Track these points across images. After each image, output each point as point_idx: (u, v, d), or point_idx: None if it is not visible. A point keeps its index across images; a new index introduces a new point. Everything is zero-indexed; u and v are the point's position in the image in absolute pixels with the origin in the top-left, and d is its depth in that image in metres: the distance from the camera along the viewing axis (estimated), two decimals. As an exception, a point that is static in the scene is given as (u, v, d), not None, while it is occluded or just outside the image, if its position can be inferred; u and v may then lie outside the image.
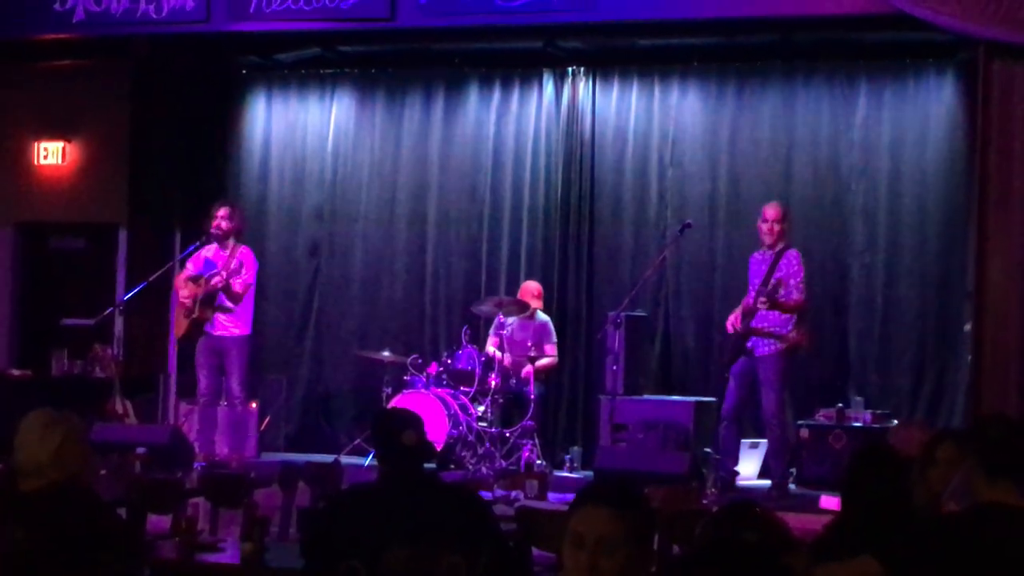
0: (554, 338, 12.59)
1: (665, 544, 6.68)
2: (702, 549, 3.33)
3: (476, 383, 12.02)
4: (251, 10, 11.78)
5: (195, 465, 10.90)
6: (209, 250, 12.14)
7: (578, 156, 13.16)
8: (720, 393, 11.31)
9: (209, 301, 11.98)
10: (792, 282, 10.87)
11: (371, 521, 5.45)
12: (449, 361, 12.18)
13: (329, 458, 11.68)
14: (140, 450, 10.12)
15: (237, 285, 11.89)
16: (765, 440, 11.50)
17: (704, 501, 9.55)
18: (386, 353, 12.44)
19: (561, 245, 13.20)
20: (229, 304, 11.99)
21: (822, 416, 11.49)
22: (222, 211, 12.11)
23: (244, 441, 12.17)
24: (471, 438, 11.80)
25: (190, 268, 12.19)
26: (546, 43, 12.63)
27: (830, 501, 9.40)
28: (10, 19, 12.34)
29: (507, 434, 11.88)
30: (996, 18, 10.10)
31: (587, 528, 3.53)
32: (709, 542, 3.60)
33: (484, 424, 11.89)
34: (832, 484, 9.79)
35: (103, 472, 9.43)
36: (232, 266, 11.98)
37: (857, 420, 11.37)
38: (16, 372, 13.15)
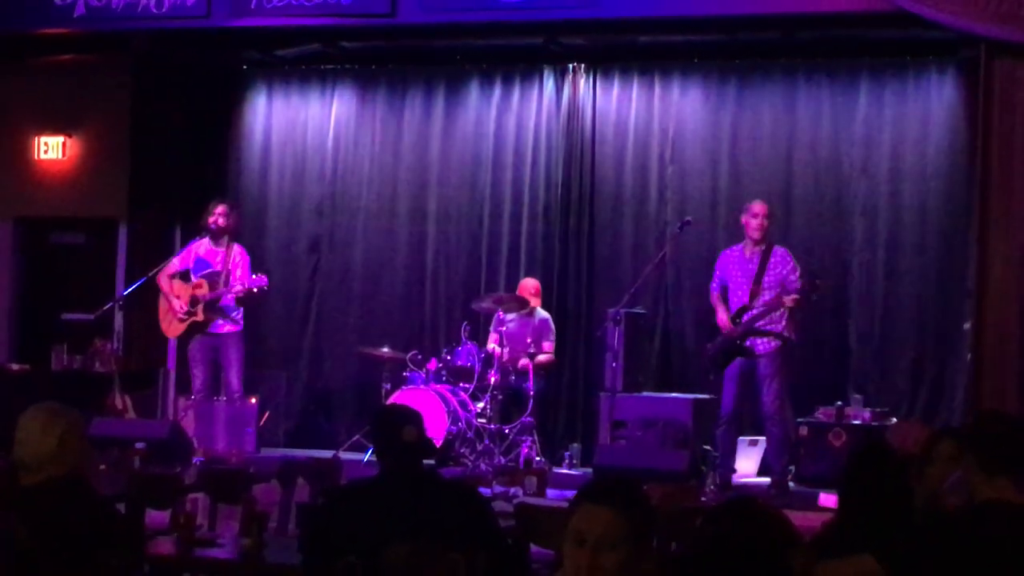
0: (553, 336, 12.58)
1: (664, 542, 6.68)
2: (701, 545, 3.33)
3: (475, 379, 12.03)
4: (252, 6, 11.79)
5: (194, 460, 10.90)
6: (200, 247, 12.13)
7: (578, 153, 13.17)
8: (718, 392, 11.32)
9: (213, 304, 11.98)
10: (790, 280, 10.92)
11: (370, 517, 5.46)
12: (448, 357, 12.18)
13: (328, 454, 11.70)
14: (139, 445, 10.11)
15: (241, 289, 11.91)
16: (764, 438, 11.51)
17: (703, 499, 9.55)
18: (386, 349, 12.44)
19: (561, 242, 13.20)
20: (232, 312, 12.01)
21: (821, 414, 11.49)
22: (220, 208, 12.10)
23: (243, 436, 12.18)
24: (470, 434, 11.81)
25: (176, 264, 12.18)
26: (547, 40, 12.62)
27: (829, 499, 9.39)
28: (11, 14, 12.35)
29: (506, 431, 11.88)
30: (997, 16, 10.11)
31: (588, 526, 3.53)
32: (709, 538, 3.60)
33: (483, 420, 11.89)
34: (831, 482, 9.77)
35: (102, 467, 9.44)
36: (233, 267, 11.99)
37: (856, 418, 11.37)
38: (16, 367, 13.15)
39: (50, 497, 5.08)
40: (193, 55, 13.51)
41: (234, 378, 12.05)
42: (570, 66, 13.23)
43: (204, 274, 12.07)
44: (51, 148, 13.77)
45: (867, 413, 11.39)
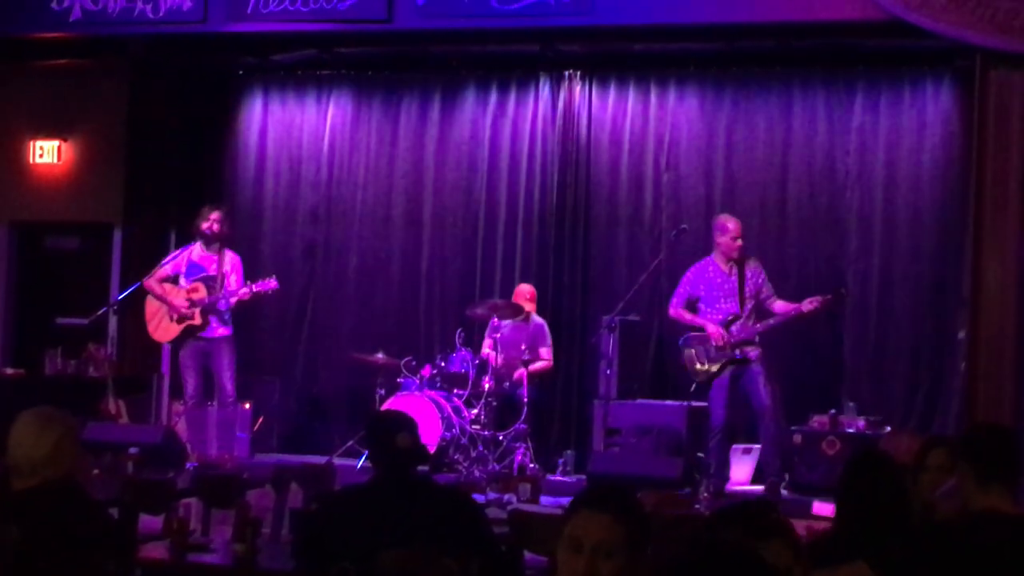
0: (549, 341, 12.59)
1: (657, 549, 6.68)
2: (698, 553, 3.32)
3: (470, 386, 12.02)
4: (248, 11, 11.78)
5: (187, 465, 10.89)
6: (193, 252, 12.14)
7: (574, 160, 13.17)
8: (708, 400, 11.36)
9: (209, 308, 11.99)
10: (764, 290, 11.18)
11: (364, 523, 5.45)
12: (443, 364, 12.17)
13: (322, 460, 11.68)
14: (133, 450, 10.11)
15: (247, 294, 11.94)
16: (757, 446, 11.52)
17: (696, 506, 9.56)
18: (380, 355, 12.43)
19: (556, 249, 13.19)
20: (226, 314, 12.03)
21: (815, 422, 11.49)
22: (216, 215, 12.12)
23: (237, 442, 12.17)
24: (464, 441, 11.79)
25: (167, 268, 12.17)
26: (543, 47, 12.62)
27: (823, 507, 9.40)
28: (7, 17, 12.33)
29: (500, 437, 11.87)
30: (993, 26, 10.12)
31: (585, 533, 3.52)
32: (711, 544, 3.59)
33: (477, 427, 11.89)
34: (825, 490, 9.79)
35: (96, 472, 9.43)
36: (227, 273, 12.01)
37: (850, 426, 11.37)
38: (10, 371, 13.14)
39: (44, 502, 5.07)
40: (189, 60, 13.50)
41: (227, 382, 12.06)
42: (566, 73, 13.23)
43: (200, 278, 12.07)
44: (46, 152, 13.76)
45: (861, 421, 11.39)
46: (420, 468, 6.20)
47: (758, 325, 11.20)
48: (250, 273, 12.28)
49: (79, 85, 13.65)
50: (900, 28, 10.49)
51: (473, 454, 11.77)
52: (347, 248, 13.76)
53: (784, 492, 11.03)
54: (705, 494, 10.39)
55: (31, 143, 13.78)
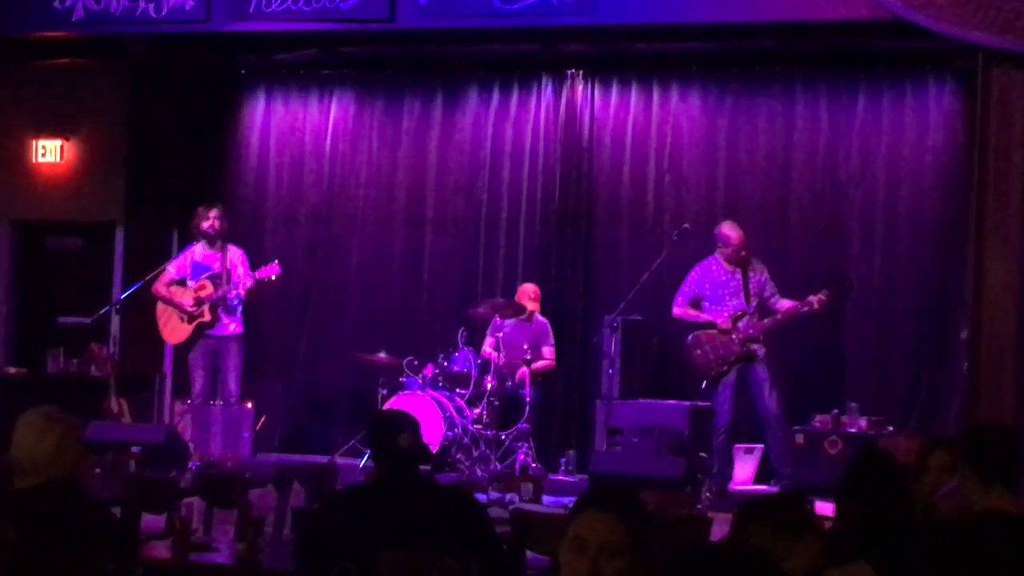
0: (552, 340, 12.60)
1: (659, 549, 6.67)
2: (698, 553, 3.31)
3: (472, 385, 12.03)
4: (251, 10, 11.77)
5: (190, 465, 10.89)
6: (195, 252, 12.15)
7: (576, 159, 13.17)
8: (712, 399, 11.36)
9: (219, 303, 12.00)
10: (767, 289, 11.19)
11: (366, 523, 5.45)
12: (445, 363, 12.18)
13: (324, 459, 11.68)
14: (135, 449, 10.11)
15: (251, 282, 11.96)
16: (760, 446, 11.52)
17: (699, 506, 9.55)
18: (382, 354, 12.43)
19: (558, 248, 13.20)
20: (235, 303, 12.03)
21: (817, 422, 11.49)
22: (214, 212, 12.16)
23: (239, 441, 12.18)
24: (466, 440, 11.80)
25: (172, 272, 12.19)
26: (545, 46, 12.61)
27: (824, 507, 9.39)
28: (9, 17, 12.33)
29: (502, 437, 11.88)
30: (995, 26, 10.11)
31: (590, 533, 3.52)
32: (712, 545, 3.59)
33: (479, 426, 11.89)
34: (827, 490, 9.78)
35: (98, 471, 9.42)
36: (232, 267, 12.01)
37: (852, 426, 11.37)
38: (12, 370, 13.15)
39: (45, 501, 5.07)
40: (191, 60, 13.51)
41: (232, 382, 12.07)
42: (568, 73, 13.24)
43: (207, 276, 12.08)
44: (48, 152, 13.77)
45: (863, 421, 11.39)
46: (422, 468, 6.20)
47: (765, 321, 11.24)
48: (254, 265, 12.28)
49: (81, 84, 13.66)
50: (902, 28, 10.48)
51: (475, 453, 11.78)
52: (349, 247, 13.77)
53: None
54: (707, 494, 10.40)
55: (33, 142, 13.79)
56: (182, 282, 12.16)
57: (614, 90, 13.22)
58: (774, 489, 11.04)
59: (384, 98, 13.78)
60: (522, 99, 13.44)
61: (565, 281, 13.17)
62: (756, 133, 12.79)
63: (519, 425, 11.96)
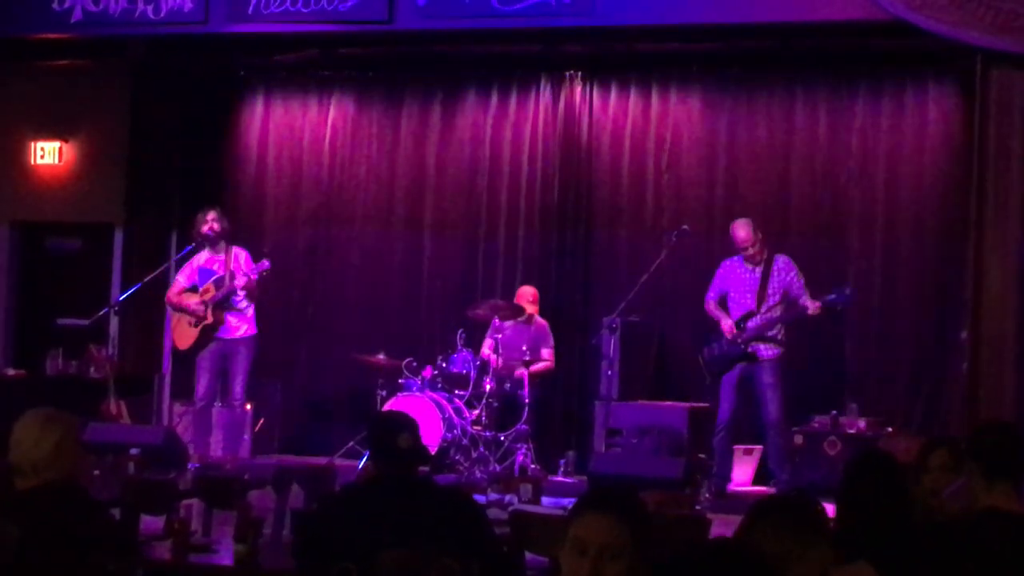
0: (552, 342, 12.60)
1: (658, 550, 6.67)
2: (702, 553, 3.31)
3: (471, 387, 12.02)
4: (249, 12, 11.77)
5: (189, 466, 10.89)
6: (200, 258, 12.12)
7: (575, 160, 13.17)
8: (714, 398, 11.35)
9: (222, 304, 11.97)
10: (795, 287, 11.06)
11: (365, 524, 5.45)
12: (444, 364, 12.17)
13: (324, 460, 11.68)
14: (134, 451, 10.09)
15: (253, 284, 11.94)
16: (759, 447, 11.52)
17: (698, 507, 9.54)
18: (381, 356, 12.43)
19: (557, 250, 13.20)
20: (242, 304, 11.99)
21: (817, 422, 11.50)
22: (212, 214, 12.11)
23: (238, 442, 12.18)
24: (465, 442, 11.79)
25: (183, 281, 12.16)
26: (544, 47, 12.62)
27: (825, 508, 9.38)
28: (8, 18, 12.33)
29: (501, 438, 11.88)
30: (994, 27, 10.11)
31: (590, 535, 3.51)
32: (710, 547, 3.58)
33: (478, 428, 11.89)
34: (826, 490, 9.77)
35: (97, 472, 9.41)
36: (236, 268, 11.99)
37: (852, 427, 11.38)
38: (11, 372, 13.14)
39: (45, 502, 5.07)
40: (190, 61, 13.51)
41: (238, 386, 12.03)
42: (567, 74, 13.24)
43: (212, 280, 12.06)
44: (47, 153, 13.78)
45: (862, 422, 11.40)
46: (421, 469, 6.19)
47: (766, 324, 11.15)
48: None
49: (80, 86, 13.66)
50: (901, 28, 10.49)
51: (474, 455, 11.77)
52: (348, 249, 13.77)
53: (785, 493, 11.04)
54: (706, 495, 10.39)
55: (32, 144, 13.80)
56: (193, 289, 12.12)
57: (613, 91, 13.22)
58: (772, 491, 11.03)
59: (383, 99, 13.78)
60: (521, 100, 13.43)
61: (564, 282, 13.17)
62: (755, 134, 12.79)
63: (518, 426, 11.96)
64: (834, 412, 11.50)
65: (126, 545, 5.56)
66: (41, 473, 5.12)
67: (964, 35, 10.28)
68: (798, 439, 11.39)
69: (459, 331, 12.40)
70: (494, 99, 13.49)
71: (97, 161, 13.70)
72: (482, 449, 11.78)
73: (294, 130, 13.98)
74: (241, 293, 11.98)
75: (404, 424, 5.74)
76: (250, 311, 12.09)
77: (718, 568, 3.20)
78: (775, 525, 3.82)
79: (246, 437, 12.23)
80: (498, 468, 11.58)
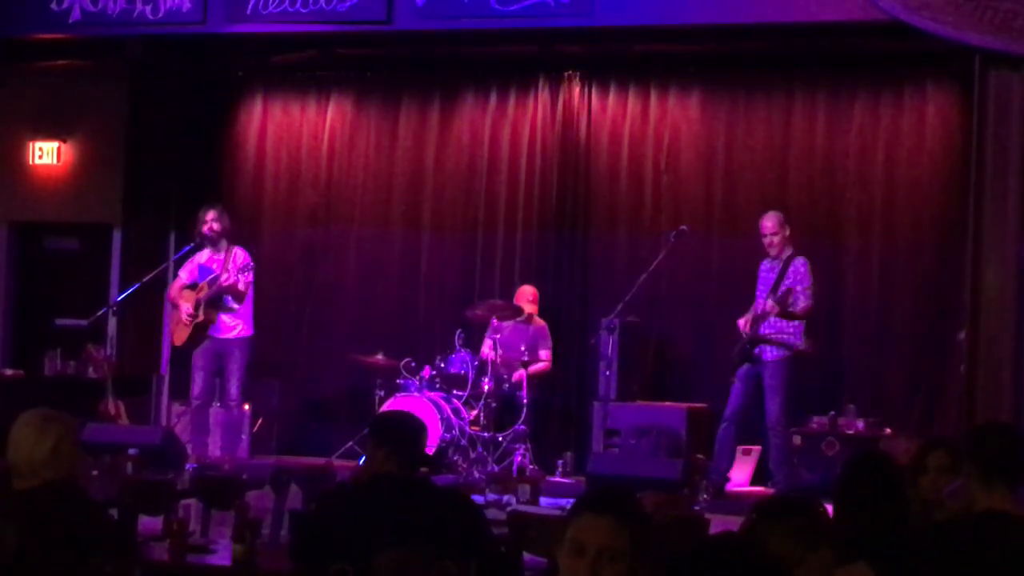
0: (550, 343, 12.60)
1: (656, 550, 6.67)
2: (700, 550, 3.31)
3: (469, 387, 12.03)
4: (248, 12, 11.78)
5: (187, 466, 10.88)
6: (202, 256, 12.12)
7: (573, 161, 13.17)
8: (719, 399, 11.37)
9: (214, 303, 11.97)
10: (799, 288, 11.04)
11: (363, 524, 5.46)
12: (442, 365, 12.17)
13: (322, 461, 11.68)
14: (132, 451, 10.10)
15: (242, 284, 11.92)
16: (758, 447, 11.52)
17: (696, 507, 9.54)
18: (379, 356, 12.43)
19: (556, 250, 13.20)
20: (234, 304, 11.99)
21: (815, 423, 11.51)
22: (211, 214, 12.10)
23: (236, 443, 12.17)
24: (463, 442, 11.80)
25: (184, 278, 12.17)
26: (542, 48, 12.62)
27: (826, 509, 9.39)
28: (6, 18, 12.34)
29: (499, 438, 11.88)
30: (992, 27, 10.12)
31: (589, 537, 3.50)
32: (706, 545, 3.58)
33: (477, 428, 11.89)
34: (824, 491, 9.78)
35: (95, 473, 9.41)
36: (233, 265, 11.99)
37: (850, 428, 11.39)
38: (9, 372, 13.13)
39: (43, 502, 5.07)
40: (188, 61, 13.51)
41: (233, 386, 12.02)
42: (565, 74, 13.24)
43: (208, 279, 12.07)
44: (46, 153, 13.76)
45: (860, 423, 11.41)
46: (420, 469, 6.20)
47: (763, 326, 11.16)
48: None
49: (79, 86, 13.65)
50: (900, 29, 10.49)
51: (472, 455, 11.77)
52: (346, 249, 13.77)
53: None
54: (705, 495, 10.40)
55: (30, 144, 13.78)
56: (193, 286, 12.13)
57: (611, 91, 13.22)
58: (770, 491, 11.04)
59: (381, 99, 13.78)
60: (519, 101, 13.43)
61: (562, 283, 13.17)
62: (753, 135, 12.79)
63: (516, 427, 11.96)
64: (832, 413, 11.51)
65: (124, 545, 5.56)
66: (39, 473, 5.12)
67: (962, 36, 10.29)
68: (796, 440, 11.40)
69: (457, 331, 12.40)
70: (492, 99, 13.49)
71: (95, 161, 13.69)
72: (480, 449, 11.79)
73: (292, 130, 13.98)
74: (225, 287, 11.95)
75: (423, 427, 5.81)
76: (244, 312, 12.08)
77: (727, 564, 3.19)
78: (778, 527, 3.82)
79: (244, 437, 12.22)
80: (496, 468, 11.58)
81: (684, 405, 11.79)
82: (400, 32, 11.74)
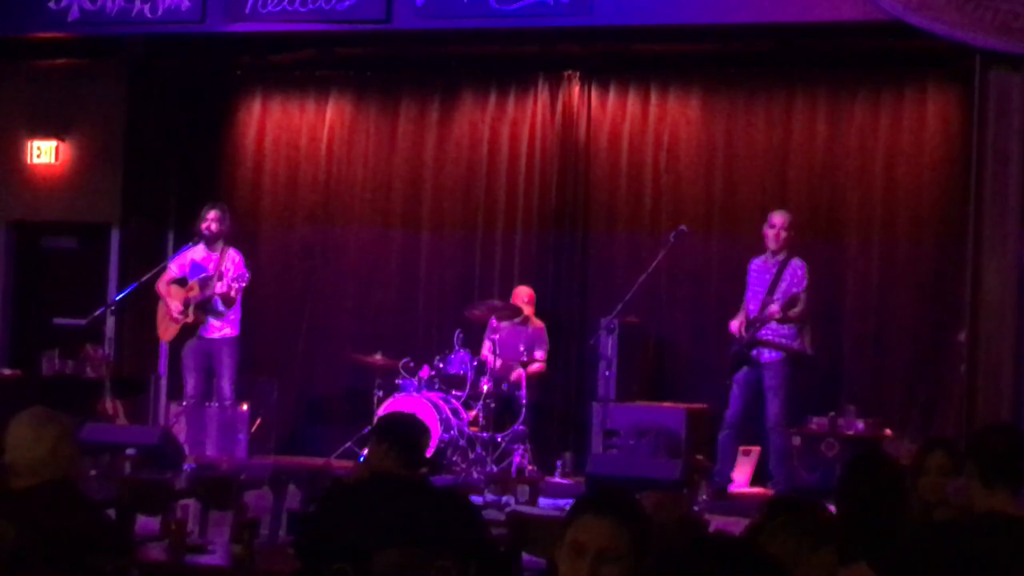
0: (547, 345, 12.59)
1: (655, 550, 6.65)
2: (693, 549, 3.29)
3: (468, 387, 12.02)
4: (247, 11, 11.76)
5: (185, 466, 10.87)
6: (196, 252, 12.13)
7: (573, 161, 13.16)
8: (718, 399, 11.36)
9: (203, 306, 11.97)
10: (796, 290, 11.05)
11: (362, 524, 5.45)
12: (441, 365, 12.16)
13: (320, 461, 11.68)
14: (130, 451, 10.10)
15: (234, 292, 11.91)
16: (757, 448, 11.51)
17: (696, 508, 9.53)
18: (378, 356, 12.42)
19: (555, 250, 13.19)
20: (222, 309, 11.99)
21: (814, 424, 11.49)
22: (212, 213, 12.10)
23: (234, 443, 12.16)
24: (462, 442, 11.79)
25: (174, 271, 12.17)
26: (542, 47, 12.61)
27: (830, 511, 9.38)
28: (5, 17, 12.31)
29: (498, 439, 11.87)
30: (993, 27, 10.11)
31: (589, 538, 3.48)
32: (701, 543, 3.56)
33: (475, 428, 11.88)
34: (824, 491, 9.78)
35: (93, 473, 9.41)
36: (226, 271, 11.98)
37: (850, 428, 11.37)
38: (7, 372, 13.11)
39: (41, 502, 5.07)
40: (187, 60, 13.50)
41: (226, 385, 12.04)
42: (565, 74, 13.23)
43: (199, 278, 12.07)
44: (44, 152, 13.74)
45: (860, 423, 11.39)
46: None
47: (763, 329, 11.15)
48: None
49: (77, 85, 13.64)
50: (900, 29, 10.48)
51: (471, 456, 11.76)
52: (345, 249, 13.76)
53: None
54: (704, 496, 10.38)
55: (29, 143, 13.77)
56: (182, 281, 12.14)
57: (611, 91, 13.21)
58: (769, 492, 11.04)
59: (380, 99, 13.77)
60: (519, 100, 13.42)
61: (562, 283, 13.16)
62: (753, 134, 12.78)
63: (515, 427, 11.95)
64: (832, 414, 11.49)
65: (122, 545, 5.55)
66: (37, 473, 5.12)
67: (962, 36, 10.27)
68: (796, 440, 11.38)
69: (456, 331, 12.39)
70: (492, 99, 13.48)
71: (94, 160, 13.68)
72: (479, 450, 11.77)
73: (291, 130, 13.97)
74: (219, 296, 11.96)
75: (426, 430, 5.82)
76: (233, 314, 12.08)
77: (724, 564, 3.18)
78: (782, 525, 3.81)
79: (242, 437, 12.21)
80: (495, 469, 11.57)
81: (683, 405, 11.78)
82: (399, 31, 11.73)
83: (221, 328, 12.05)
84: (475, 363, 12.15)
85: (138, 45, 12.66)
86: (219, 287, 11.87)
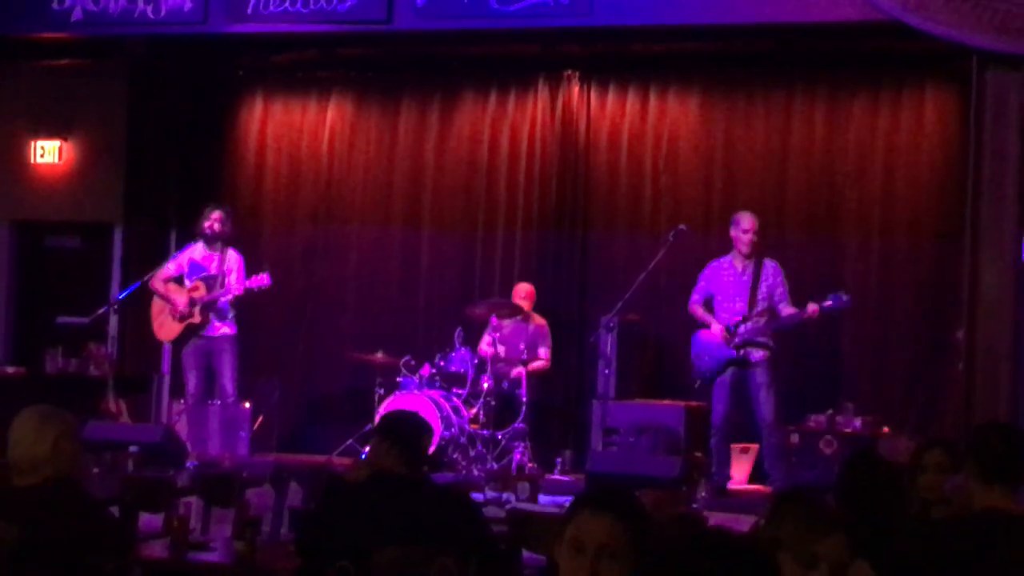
0: (549, 342, 12.62)
1: (654, 547, 6.69)
2: (690, 546, 3.34)
3: (469, 385, 12.04)
4: (248, 12, 11.79)
5: (187, 464, 10.91)
6: (195, 251, 12.14)
7: (572, 160, 13.19)
8: (707, 399, 11.38)
9: (209, 307, 11.99)
10: (778, 292, 11.10)
11: (363, 522, 5.48)
12: (442, 363, 12.18)
13: (322, 458, 11.71)
14: (133, 449, 10.13)
15: (242, 291, 11.94)
16: (755, 446, 11.54)
17: (695, 505, 9.57)
18: (379, 354, 12.44)
19: (555, 249, 13.21)
20: (227, 309, 12.03)
21: (812, 422, 11.52)
22: (216, 214, 12.11)
23: (236, 441, 12.19)
24: (463, 440, 11.81)
25: (172, 269, 12.18)
26: (542, 48, 12.65)
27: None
28: (8, 17, 12.34)
29: (499, 436, 11.89)
30: (991, 27, 10.13)
31: (588, 535, 3.52)
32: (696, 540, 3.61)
33: (476, 426, 11.91)
34: (822, 490, 9.80)
35: (96, 470, 9.45)
36: (228, 271, 12.01)
37: (848, 426, 11.40)
38: (10, 370, 13.15)
39: (43, 500, 5.09)
40: (189, 61, 13.53)
41: (228, 383, 12.06)
42: (565, 74, 13.25)
43: (201, 277, 12.09)
44: (47, 152, 13.80)
45: (858, 421, 11.42)
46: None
47: (764, 327, 11.20)
48: (249, 273, 12.30)
49: (80, 85, 13.68)
50: (898, 29, 10.51)
51: (472, 453, 11.79)
52: (346, 248, 13.78)
53: (782, 492, 11.05)
54: (703, 493, 10.41)
55: (32, 143, 13.82)
56: (180, 280, 12.17)
57: (611, 91, 13.23)
58: (767, 490, 11.08)
59: (381, 99, 13.80)
60: (519, 100, 13.45)
61: (561, 282, 13.19)
62: (752, 134, 12.81)
63: (516, 425, 11.98)
64: (830, 411, 11.52)
65: (124, 543, 5.58)
66: (40, 471, 5.14)
67: (960, 36, 10.30)
68: (794, 438, 11.42)
69: (457, 329, 12.41)
70: (492, 99, 13.50)
71: (97, 160, 13.72)
72: (480, 447, 11.81)
73: (293, 130, 14.00)
74: (229, 298, 11.98)
75: (429, 429, 5.86)
76: (230, 314, 12.13)
77: (722, 558, 3.22)
78: (792, 513, 3.86)
79: (244, 435, 12.25)
80: (496, 466, 11.60)
81: (683, 403, 11.79)
82: (400, 32, 11.75)
83: (221, 327, 12.09)
84: (476, 361, 12.18)
85: (141, 46, 12.70)
86: (236, 290, 11.89)
